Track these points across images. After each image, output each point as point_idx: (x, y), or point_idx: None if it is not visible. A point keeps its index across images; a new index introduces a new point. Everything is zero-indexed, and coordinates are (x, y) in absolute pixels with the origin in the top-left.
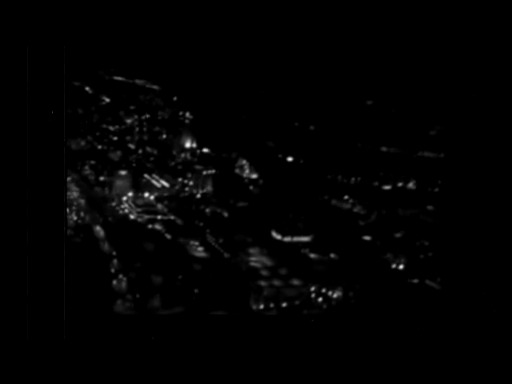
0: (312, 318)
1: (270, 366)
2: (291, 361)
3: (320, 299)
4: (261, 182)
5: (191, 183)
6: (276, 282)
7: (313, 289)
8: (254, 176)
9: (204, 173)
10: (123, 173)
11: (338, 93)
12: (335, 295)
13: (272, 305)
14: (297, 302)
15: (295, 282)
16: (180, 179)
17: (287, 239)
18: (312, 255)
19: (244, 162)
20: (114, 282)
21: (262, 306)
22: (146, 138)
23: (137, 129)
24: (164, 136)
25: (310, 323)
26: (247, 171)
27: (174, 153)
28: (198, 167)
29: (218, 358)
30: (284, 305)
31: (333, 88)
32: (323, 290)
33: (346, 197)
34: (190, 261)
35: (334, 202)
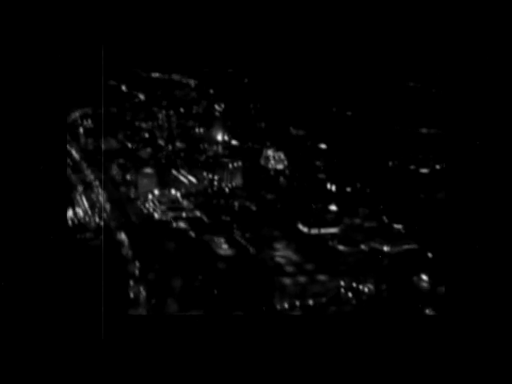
0: (341, 315)
1: (294, 366)
2: (317, 364)
3: (350, 294)
4: (287, 172)
5: (220, 177)
6: (301, 279)
7: (342, 283)
8: (280, 167)
9: (231, 166)
10: (149, 170)
11: (378, 74)
12: (366, 289)
13: (297, 302)
14: (323, 299)
15: (322, 277)
16: (205, 173)
17: (314, 231)
18: (341, 247)
19: (270, 152)
20: (132, 284)
21: (286, 305)
22: (177, 133)
23: (166, 124)
24: (197, 130)
25: (337, 322)
26: (273, 162)
27: (206, 146)
28: (226, 160)
29: (235, 358)
30: (310, 302)
31: (372, 70)
32: (353, 285)
33: (381, 182)
34: (213, 259)
35: (368, 190)
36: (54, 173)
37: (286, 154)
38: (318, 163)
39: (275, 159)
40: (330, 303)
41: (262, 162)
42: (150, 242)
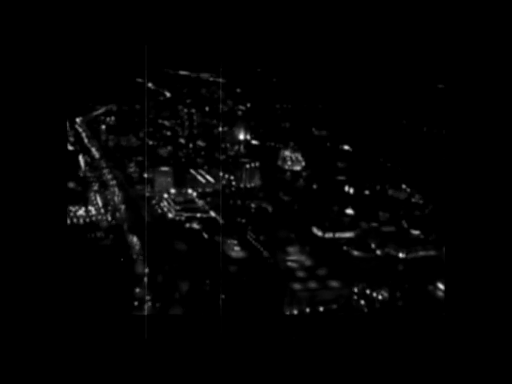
0: (351, 322)
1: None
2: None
3: (362, 302)
4: (305, 173)
5: (237, 177)
6: (312, 285)
7: (355, 290)
8: (298, 168)
9: (247, 166)
10: (166, 169)
11: (405, 76)
12: (380, 297)
13: (307, 309)
14: (334, 306)
15: (334, 283)
16: (221, 173)
17: (329, 235)
18: (355, 253)
19: (287, 153)
20: (138, 288)
21: (295, 311)
22: (199, 131)
23: (187, 123)
24: (220, 129)
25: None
26: (290, 163)
27: (227, 146)
28: (245, 160)
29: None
30: (320, 309)
31: (399, 72)
32: (367, 291)
33: (403, 186)
34: (224, 262)
35: (390, 192)
36: (53, 169)
37: (305, 155)
38: (339, 164)
39: (292, 160)
40: (340, 310)
41: (280, 163)
42: (161, 243)
